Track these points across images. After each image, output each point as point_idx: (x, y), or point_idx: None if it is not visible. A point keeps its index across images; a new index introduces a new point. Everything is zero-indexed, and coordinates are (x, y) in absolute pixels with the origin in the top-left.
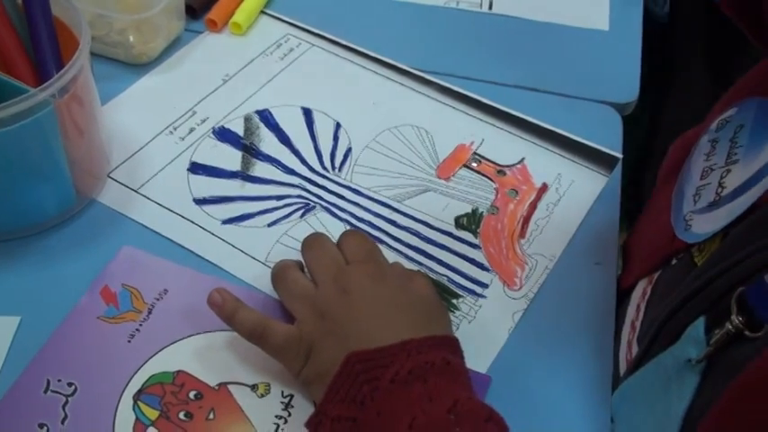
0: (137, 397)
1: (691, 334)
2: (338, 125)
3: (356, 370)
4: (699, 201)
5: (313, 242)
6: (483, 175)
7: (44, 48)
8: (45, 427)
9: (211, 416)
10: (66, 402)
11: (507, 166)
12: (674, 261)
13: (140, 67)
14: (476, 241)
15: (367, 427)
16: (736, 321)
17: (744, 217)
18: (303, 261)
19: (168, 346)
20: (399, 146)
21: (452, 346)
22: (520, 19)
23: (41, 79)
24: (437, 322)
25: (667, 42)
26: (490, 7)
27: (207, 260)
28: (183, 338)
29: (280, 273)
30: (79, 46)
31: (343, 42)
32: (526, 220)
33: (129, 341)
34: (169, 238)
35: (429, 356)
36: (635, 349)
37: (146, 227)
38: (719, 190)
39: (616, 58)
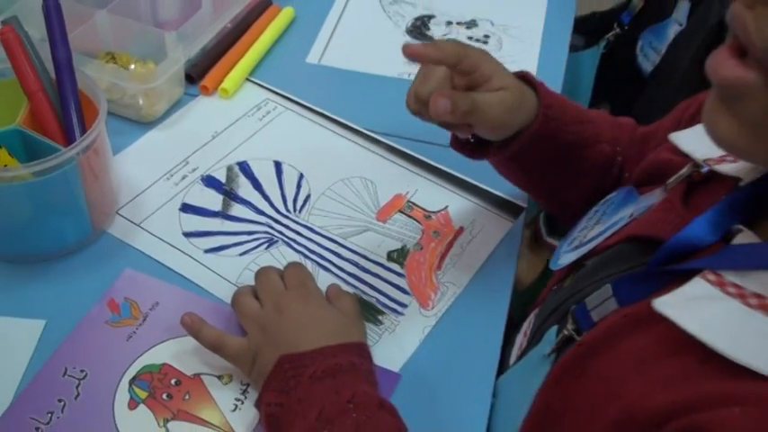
0: (132, 381)
1: (547, 337)
2: (301, 175)
3: (285, 368)
4: (571, 244)
5: (261, 273)
6: (413, 218)
7: (71, 114)
8: (63, 402)
9: (187, 397)
10: (79, 384)
11: (433, 212)
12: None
13: (146, 124)
14: (401, 271)
15: (290, 410)
16: (570, 329)
17: (588, 257)
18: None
19: (157, 344)
20: (349, 193)
21: (361, 351)
22: None
23: (68, 139)
24: (352, 333)
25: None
26: None
27: (191, 281)
28: (169, 339)
29: (235, 297)
30: (98, 115)
31: (311, 107)
32: (443, 255)
33: (128, 340)
34: (162, 263)
35: (339, 359)
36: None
37: (144, 253)
38: (581, 239)
39: None
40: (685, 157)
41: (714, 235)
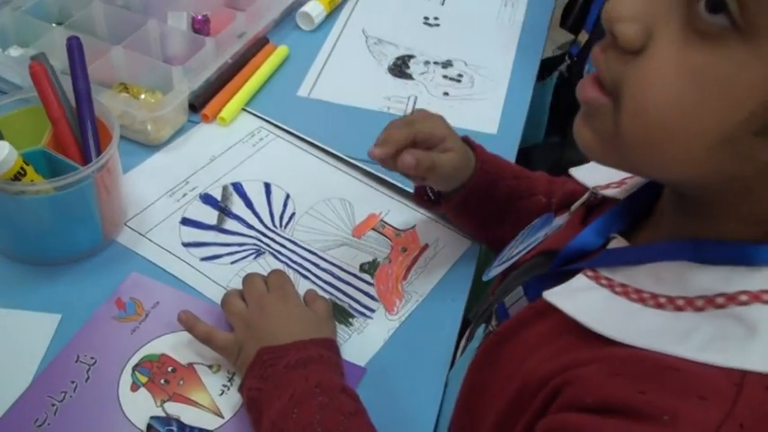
0: (134, 368)
1: (477, 334)
2: (288, 195)
3: (264, 359)
4: (500, 260)
5: (248, 278)
6: (385, 235)
7: (88, 139)
8: (75, 383)
9: (181, 382)
10: (89, 369)
11: (402, 230)
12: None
13: (153, 147)
14: (371, 281)
15: (267, 393)
16: (494, 325)
17: (512, 270)
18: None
19: (157, 338)
20: (329, 212)
21: (330, 345)
22: None
23: (85, 159)
24: (323, 330)
25: None
26: (412, 112)
27: (188, 284)
28: (167, 334)
29: (225, 298)
30: (112, 140)
31: (299, 135)
32: (409, 268)
33: (132, 333)
34: (164, 269)
35: (310, 351)
36: None
37: (148, 260)
38: (508, 256)
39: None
40: (586, 187)
41: (597, 242)
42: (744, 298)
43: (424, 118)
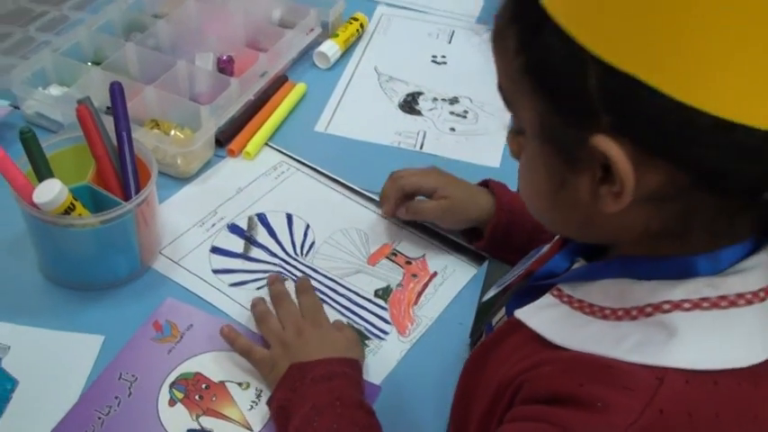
0: (171, 385)
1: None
2: (308, 225)
3: (293, 373)
4: (498, 283)
5: (282, 303)
6: (397, 263)
7: (128, 175)
8: (118, 399)
9: (214, 398)
10: (131, 385)
11: (413, 259)
12: None
13: (183, 180)
14: (385, 305)
15: (294, 403)
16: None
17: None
18: (274, 310)
19: (191, 357)
20: (346, 241)
21: (355, 365)
22: (438, 156)
23: (125, 193)
24: (351, 352)
25: None
26: (421, 147)
27: (218, 308)
28: (201, 354)
29: (262, 316)
30: (150, 177)
31: (318, 168)
32: (420, 294)
33: (168, 353)
34: (196, 294)
35: (335, 368)
36: None
37: (182, 285)
38: (503, 279)
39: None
40: None
41: (563, 265)
42: (666, 307)
43: (412, 174)
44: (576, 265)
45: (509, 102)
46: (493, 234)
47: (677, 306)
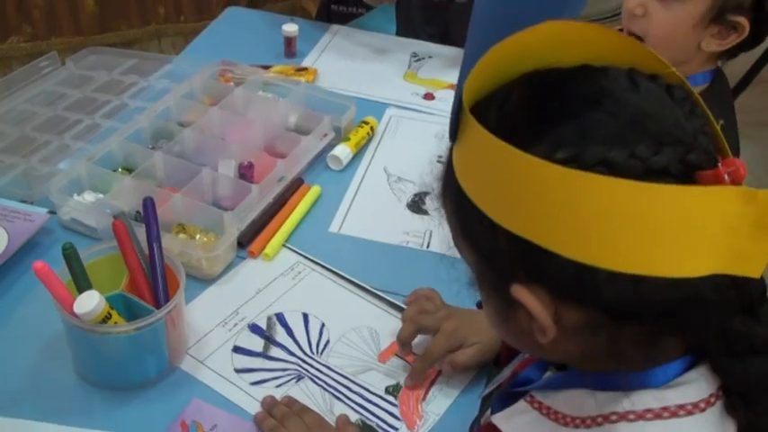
0: None
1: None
2: (323, 324)
3: None
4: (493, 381)
5: (288, 420)
6: (406, 361)
7: (158, 283)
8: None
9: None
10: None
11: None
12: None
13: (207, 281)
14: (395, 402)
15: None
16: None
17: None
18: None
19: None
20: (358, 340)
21: None
22: (444, 255)
23: (156, 298)
24: None
25: None
26: (428, 246)
27: (240, 407)
28: None
29: (271, 428)
30: (180, 286)
31: (332, 269)
32: (427, 390)
33: None
34: (220, 393)
35: None
36: None
37: (206, 385)
38: (497, 378)
39: None
40: None
41: (540, 373)
42: (614, 418)
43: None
44: (547, 373)
45: (458, 249)
46: (507, 352)
47: (623, 417)
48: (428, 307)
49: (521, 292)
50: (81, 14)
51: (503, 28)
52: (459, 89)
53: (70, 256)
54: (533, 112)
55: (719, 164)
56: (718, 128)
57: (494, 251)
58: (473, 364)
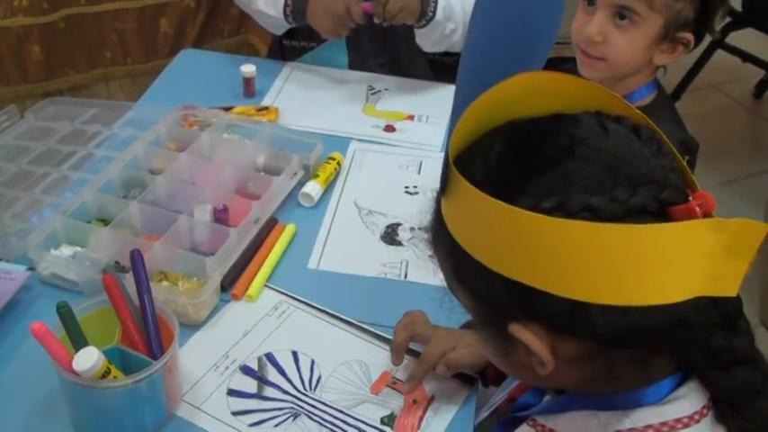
0: None
1: None
2: (313, 361)
3: None
4: (488, 405)
5: None
6: (397, 390)
7: (150, 334)
8: None
9: None
10: None
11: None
12: None
13: (194, 327)
14: None
15: None
16: None
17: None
18: None
19: None
20: (349, 373)
21: None
22: (421, 284)
23: (150, 351)
24: None
25: None
26: (405, 276)
27: None
28: None
29: None
30: (174, 336)
31: (315, 305)
32: (421, 417)
33: None
34: None
35: None
36: None
37: (206, 431)
38: (492, 401)
39: None
40: None
41: (538, 398)
42: None
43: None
44: (546, 397)
45: (453, 293)
46: (496, 374)
47: None
48: (418, 320)
49: (519, 331)
50: (27, 63)
51: (486, 82)
52: (447, 142)
53: (65, 315)
54: (515, 164)
55: (690, 198)
56: (684, 163)
57: (490, 294)
58: (467, 363)
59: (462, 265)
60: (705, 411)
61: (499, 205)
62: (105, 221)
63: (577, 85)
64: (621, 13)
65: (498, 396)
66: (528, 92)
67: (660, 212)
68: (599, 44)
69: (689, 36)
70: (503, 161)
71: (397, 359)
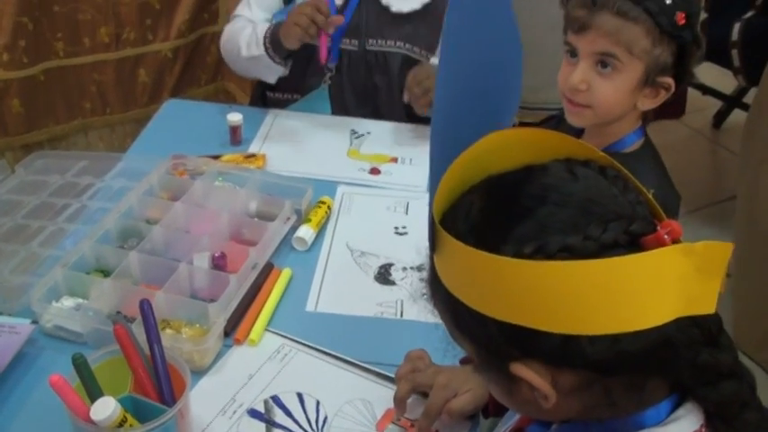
0: None
1: None
2: (318, 402)
3: None
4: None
5: None
6: (402, 427)
7: (162, 381)
8: None
9: None
10: None
11: (415, 420)
12: None
13: (199, 373)
14: None
15: None
16: None
17: None
18: None
19: None
20: (354, 412)
21: None
22: (418, 321)
23: (162, 398)
24: None
25: None
26: (401, 315)
27: None
28: None
29: None
30: (186, 384)
31: (315, 346)
32: None
33: None
34: None
35: None
36: None
37: None
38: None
39: None
40: None
41: (545, 429)
42: None
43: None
44: (554, 426)
45: (456, 341)
46: (496, 407)
47: None
48: (419, 365)
49: (519, 369)
50: (7, 116)
51: (457, 146)
52: (431, 205)
53: (81, 366)
54: (494, 217)
55: (658, 227)
56: (650, 195)
57: (487, 338)
58: (469, 409)
59: (459, 314)
60: (703, 430)
61: (485, 255)
62: (104, 272)
63: (545, 137)
64: (603, 62)
65: (504, 426)
66: (500, 149)
67: (632, 244)
68: (584, 92)
69: (669, 81)
70: (483, 215)
71: (400, 412)
